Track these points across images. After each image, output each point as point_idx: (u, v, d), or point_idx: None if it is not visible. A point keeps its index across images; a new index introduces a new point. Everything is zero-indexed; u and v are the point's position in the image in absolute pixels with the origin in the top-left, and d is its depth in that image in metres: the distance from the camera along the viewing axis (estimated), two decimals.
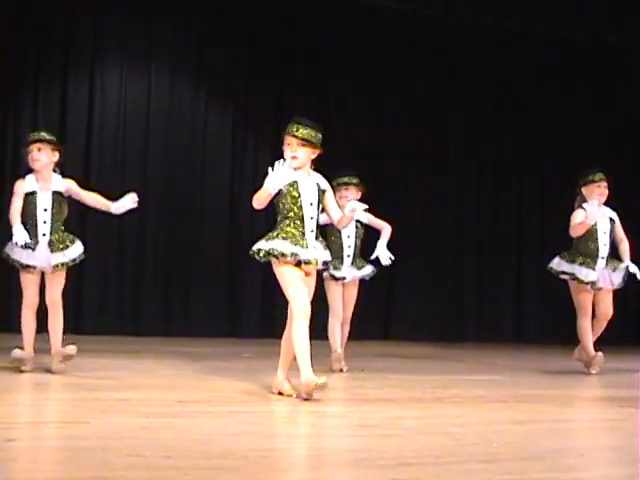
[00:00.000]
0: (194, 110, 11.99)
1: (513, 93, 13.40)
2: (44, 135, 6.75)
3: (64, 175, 6.80)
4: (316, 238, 5.71)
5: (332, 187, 6.15)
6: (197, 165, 11.90)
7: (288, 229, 5.62)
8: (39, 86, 11.29)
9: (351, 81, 12.55)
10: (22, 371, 6.41)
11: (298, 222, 5.63)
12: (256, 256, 5.63)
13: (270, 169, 5.55)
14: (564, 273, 7.97)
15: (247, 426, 4.55)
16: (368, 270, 7.83)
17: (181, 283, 11.69)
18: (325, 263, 5.88)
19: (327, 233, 7.35)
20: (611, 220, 7.95)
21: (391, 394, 6.16)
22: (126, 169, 11.55)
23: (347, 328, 7.81)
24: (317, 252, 5.65)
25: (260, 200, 5.67)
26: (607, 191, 7.93)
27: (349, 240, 7.66)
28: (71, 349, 6.53)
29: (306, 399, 5.40)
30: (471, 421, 4.97)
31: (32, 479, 3.14)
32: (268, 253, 5.57)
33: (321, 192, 5.75)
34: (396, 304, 12.68)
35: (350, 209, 5.76)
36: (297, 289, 5.55)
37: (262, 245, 5.62)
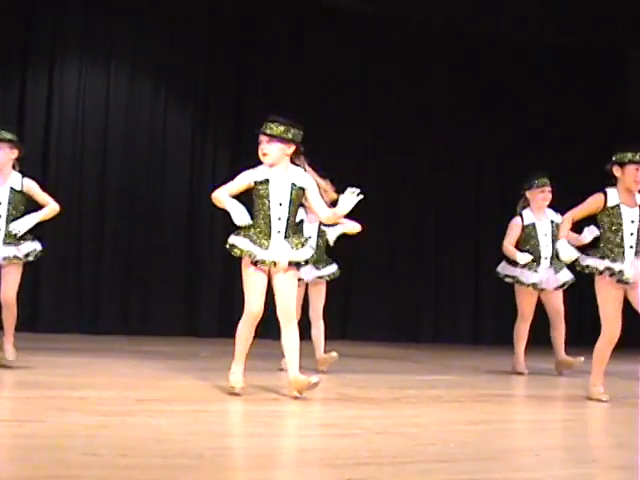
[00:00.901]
0: (154, 109, 11.95)
1: (482, 93, 13.48)
2: (2, 134, 6.75)
3: (24, 174, 6.86)
4: (287, 237, 5.69)
5: None
6: (156, 164, 11.88)
7: (254, 227, 5.66)
8: None
9: (313, 82, 12.55)
10: None
11: (265, 222, 5.66)
12: (226, 246, 5.70)
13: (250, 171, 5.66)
14: (507, 277, 8.15)
15: (204, 425, 4.55)
16: (332, 269, 7.81)
17: (140, 282, 11.65)
18: (298, 264, 5.80)
19: None
20: (552, 222, 8.09)
21: (348, 394, 6.18)
22: (84, 167, 11.51)
23: (321, 325, 7.74)
24: (280, 253, 5.62)
25: (217, 203, 5.74)
26: (550, 195, 8.13)
27: (311, 241, 7.62)
28: (10, 354, 6.63)
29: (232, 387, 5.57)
30: (428, 421, 5.00)
31: None
32: (230, 248, 5.66)
33: (297, 190, 5.71)
34: (354, 304, 12.70)
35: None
36: (250, 290, 5.64)
37: (230, 238, 5.69)
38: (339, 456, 3.78)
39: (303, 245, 5.76)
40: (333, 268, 7.82)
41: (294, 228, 5.81)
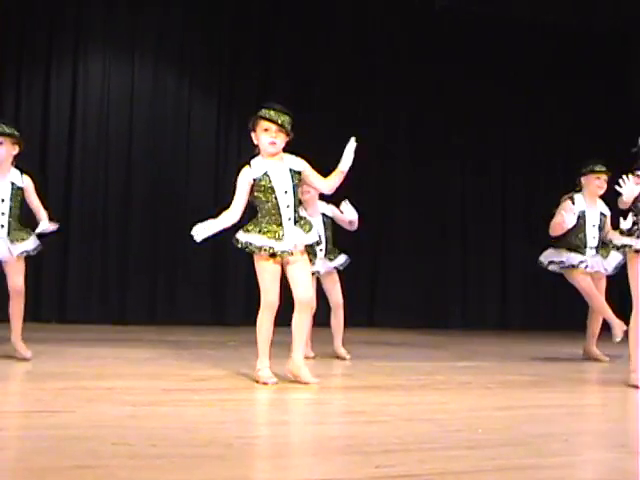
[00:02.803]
0: (178, 96, 11.98)
1: (501, 78, 13.37)
2: (4, 129, 6.69)
3: (22, 171, 6.81)
4: (296, 223, 5.75)
5: None
6: (181, 152, 11.90)
7: (265, 221, 5.72)
8: (22, 72, 11.27)
9: (337, 65, 12.53)
10: None
11: (274, 213, 5.71)
12: (237, 245, 5.74)
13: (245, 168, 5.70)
14: (553, 263, 7.93)
15: (232, 414, 4.56)
16: (341, 260, 7.78)
17: (166, 271, 11.69)
18: (311, 246, 5.88)
19: None
20: (602, 214, 7.90)
21: (376, 381, 6.18)
22: (110, 158, 11.56)
23: (341, 315, 7.74)
24: (296, 240, 5.69)
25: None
26: (606, 185, 7.82)
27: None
28: (25, 351, 6.69)
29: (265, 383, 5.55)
30: (456, 407, 4.99)
31: (18, 468, 3.14)
32: (245, 246, 5.70)
33: (296, 175, 5.78)
34: (381, 291, 12.70)
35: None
36: (268, 283, 5.67)
37: (240, 236, 5.75)
38: (367, 443, 3.78)
39: (310, 229, 5.84)
40: (343, 258, 7.80)
41: (299, 213, 5.86)
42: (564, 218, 7.55)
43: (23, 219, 6.82)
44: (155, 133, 11.77)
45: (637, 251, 6.01)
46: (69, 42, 11.45)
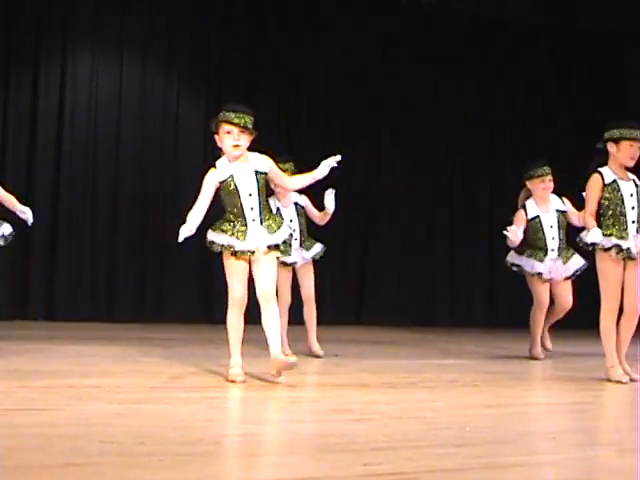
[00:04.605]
0: (166, 95, 11.96)
1: (496, 77, 13.41)
2: None
3: None
4: (262, 222, 5.73)
5: None
6: (169, 150, 11.88)
7: (229, 220, 5.75)
8: (10, 70, 11.22)
9: (325, 65, 12.52)
10: None
11: (238, 214, 5.73)
12: (206, 243, 5.80)
13: None
14: (514, 265, 8.04)
15: (220, 412, 4.56)
16: (317, 249, 7.72)
17: (154, 269, 11.67)
18: (277, 246, 5.82)
19: None
20: (558, 212, 7.93)
21: (364, 379, 6.18)
22: (98, 156, 11.53)
23: (313, 308, 7.69)
24: (258, 240, 5.68)
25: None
26: (552, 184, 7.92)
27: (292, 224, 7.47)
28: None
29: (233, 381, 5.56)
30: (443, 405, 5.00)
31: (6, 466, 3.13)
32: (210, 245, 5.79)
33: (261, 176, 5.76)
34: (369, 289, 12.69)
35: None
36: (233, 280, 5.77)
37: (208, 235, 5.80)
38: (355, 441, 3.78)
39: (279, 227, 5.81)
40: (318, 247, 7.74)
41: (267, 211, 5.85)
42: (512, 239, 7.54)
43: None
44: (143, 132, 11.74)
45: (606, 250, 6.12)
46: (57, 41, 11.42)
